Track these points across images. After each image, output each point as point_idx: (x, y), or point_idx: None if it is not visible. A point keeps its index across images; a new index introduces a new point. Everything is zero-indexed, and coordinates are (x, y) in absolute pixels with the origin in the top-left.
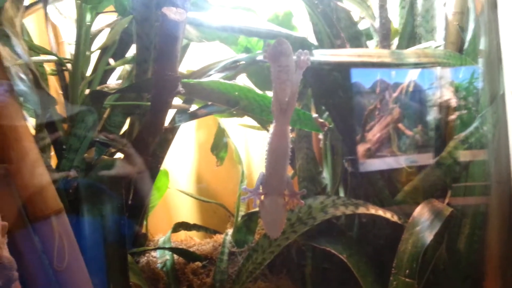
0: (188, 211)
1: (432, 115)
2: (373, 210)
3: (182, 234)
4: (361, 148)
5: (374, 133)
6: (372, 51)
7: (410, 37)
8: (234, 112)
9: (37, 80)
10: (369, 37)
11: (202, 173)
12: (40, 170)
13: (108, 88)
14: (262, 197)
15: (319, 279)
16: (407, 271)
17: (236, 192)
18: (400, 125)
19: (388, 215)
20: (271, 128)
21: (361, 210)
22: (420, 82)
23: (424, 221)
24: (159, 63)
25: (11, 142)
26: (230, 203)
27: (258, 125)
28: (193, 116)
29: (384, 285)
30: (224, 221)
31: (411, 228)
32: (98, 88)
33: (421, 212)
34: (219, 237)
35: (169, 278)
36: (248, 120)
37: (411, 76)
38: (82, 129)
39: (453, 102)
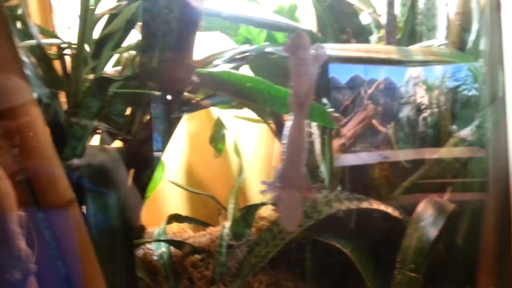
0: (177, 203)
1: (405, 112)
2: (376, 205)
3: (174, 226)
4: (335, 143)
5: (349, 128)
6: (379, 47)
7: (410, 34)
8: (233, 104)
9: (49, 63)
10: (369, 32)
11: (192, 164)
12: (53, 159)
13: (108, 75)
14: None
15: (319, 273)
16: (412, 265)
17: (227, 184)
18: (374, 121)
19: (389, 210)
20: (288, 121)
21: (365, 205)
22: (395, 79)
23: (428, 217)
24: (176, 51)
25: (24, 128)
26: (221, 196)
27: (255, 118)
28: (197, 107)
29: (384, 278)
30: (214, 214)
31: (414, 224)
32: None
33: (425, 208)
34: (213, 230)
35: (166, 270)
36: (244, 112)
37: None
38: (86, 117)
39: (425, 100)
